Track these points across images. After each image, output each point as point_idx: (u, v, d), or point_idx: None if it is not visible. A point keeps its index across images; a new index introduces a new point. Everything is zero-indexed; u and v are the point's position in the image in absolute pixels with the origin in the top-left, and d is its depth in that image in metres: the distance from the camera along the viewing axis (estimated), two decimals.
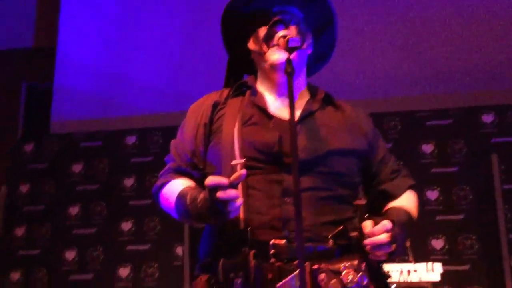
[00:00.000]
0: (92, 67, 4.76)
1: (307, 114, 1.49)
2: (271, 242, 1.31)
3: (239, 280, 1.25)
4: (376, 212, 1.54)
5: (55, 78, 4.80)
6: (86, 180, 4.52)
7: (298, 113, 1.46)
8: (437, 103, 4.18)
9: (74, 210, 4.46)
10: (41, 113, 4.84)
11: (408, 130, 4.22)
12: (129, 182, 4.41)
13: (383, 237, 1.27)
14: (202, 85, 1.62)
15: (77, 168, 4.56)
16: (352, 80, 4.13)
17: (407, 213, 1.49)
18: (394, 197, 1.56)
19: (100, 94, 4.66)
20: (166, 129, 4.50)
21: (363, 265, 1.30)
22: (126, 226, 4.33)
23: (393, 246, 1.28)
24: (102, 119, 4.62)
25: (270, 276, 1.28)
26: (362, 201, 1.47)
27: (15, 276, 4.36)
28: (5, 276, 4.36)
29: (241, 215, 1.32)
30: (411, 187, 1.62)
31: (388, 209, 1.52)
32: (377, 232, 1.28)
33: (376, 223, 1.30)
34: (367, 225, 1.31)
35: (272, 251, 1.30)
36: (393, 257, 1.33)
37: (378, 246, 1.27)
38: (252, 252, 1.26)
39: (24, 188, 4.57)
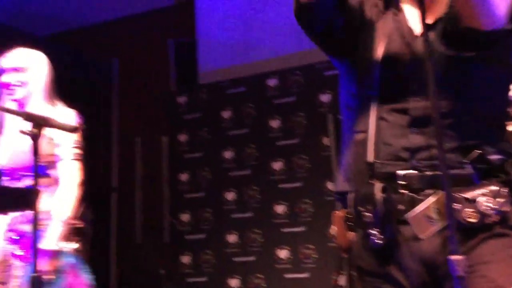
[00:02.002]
0: (229, 16, 4.88)
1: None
2: (401, 173, 1.26)
3: (368, 214, 1.24)
4: None
5: (197, 31, 5.03)
6: (236, 125, 4.74)
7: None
8: None
9: (228, 154, 4.73)
10: (189, 65, 5.13)
11: None
12: (275, 123, 4.53)
13: None
14: None
15: (226, 114, 4.80)
16: None
17: None
18: None
19: (239, 41, 4.79)
20: (306, 68, 4.50)
21: (506, 191, 1.20)
22: (277, 165, 4.49)
23: None
24: (244, 64, 4.76)
25: (401, 207, 1.24)
26: None
27: (184, 217, 4.81)
28: (176, 217, 4.83)
29: (370, 147, 1.29)
30: None
31: None
32: None
33: None
34: None
35: (401, 182, 1.25)
36: None
37: None
38: (379, 185, 1.24)
39: (182, 137, 4.96)
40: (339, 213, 1.38)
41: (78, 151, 2.30)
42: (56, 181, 2.29)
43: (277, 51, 4.63)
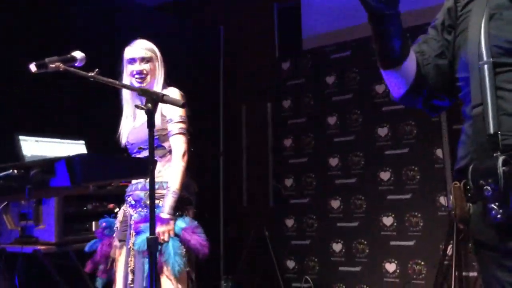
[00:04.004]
0: None
1: None
2: None
3: (489, 187, 1.19)
4: None
5: None
6: (340, 91, 4.69)
7: None
8: None
9: (332, 120, 4.70)
10: (293, 31, 5.11)
11: None
12: (381, 88, 4.41)
13: None
14: None
15: (330, 80, 4.75)
16: None
17: None
18: None
19: (343, 4, 4.68)
20: (413, 28, 4.28)
21: None
22: (382, 131, 4.39)
23: None
24: (349, 28, 4.65)
25: None
26: None
27: (288, 182, 4.90)
28: (280, 182, 4.93)
29: (491, 117, 1.24)
30: None
31: None
32: None
33: None
34: None
35: None
36: None
37: None
38: (502, 158, 1.17)
39: (286, 104, 5.00)
40: (458, 185, 1.33)
41: (182, 125, 2.51)
42: (170, 152, 2.53)
43: None
